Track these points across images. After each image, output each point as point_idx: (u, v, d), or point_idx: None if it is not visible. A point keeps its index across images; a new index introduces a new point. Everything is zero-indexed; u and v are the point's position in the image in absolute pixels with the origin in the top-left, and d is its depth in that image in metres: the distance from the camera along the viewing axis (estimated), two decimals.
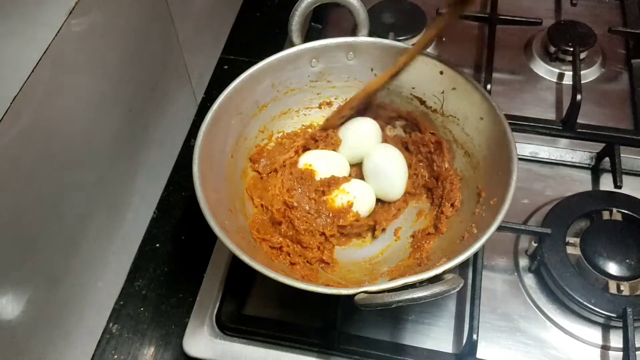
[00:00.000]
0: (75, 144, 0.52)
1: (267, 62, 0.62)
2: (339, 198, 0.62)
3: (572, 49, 0.79)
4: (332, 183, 0.63)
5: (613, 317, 0.57)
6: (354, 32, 0.67)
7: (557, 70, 0.81)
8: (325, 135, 0.67)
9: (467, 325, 0.58)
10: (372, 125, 0.67)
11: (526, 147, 0.73)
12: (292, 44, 0.64)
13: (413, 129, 0.67)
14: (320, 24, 0.88)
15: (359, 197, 0.62)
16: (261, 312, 0.61)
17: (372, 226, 0.63)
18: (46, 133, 0.48)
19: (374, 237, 0.63)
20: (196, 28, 0.78)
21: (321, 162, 0.64)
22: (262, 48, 0.70)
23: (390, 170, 0.63)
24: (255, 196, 0.63)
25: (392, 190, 0.63)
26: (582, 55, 0.80)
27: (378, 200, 0.64)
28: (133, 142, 0.64)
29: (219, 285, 0.63)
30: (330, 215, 0.62)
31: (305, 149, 0.67)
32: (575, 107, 0.72)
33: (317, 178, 0.64)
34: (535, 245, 0.63)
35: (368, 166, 0.64)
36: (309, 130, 0.69)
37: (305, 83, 0.67)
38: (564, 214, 0.64)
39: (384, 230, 0.63)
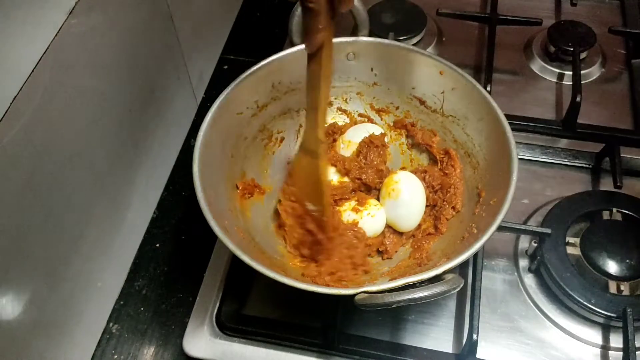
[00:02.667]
0: (75, 144, 0.52)
1: (267, 62, 0.62)
2: (347, 214, 0.61)
3: (572, 49, 0.79)
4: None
5: (613, 317, 0.57)
6: (354, 32, 0.67)
7: (557, 70, 0.81)
8: None
9: (467, 325, 0.58)
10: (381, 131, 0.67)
11: (526, 147, 0.73)
12: (292, 44, 0.64)
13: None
14: None
15: (366, 219, 0.60)
16: (261, 312, 0.61)
17: (380, 251, 0.62)
18: (46, 133, 0.48)
19: (382, 259, 0.62)
20: (196, 28, 0.78)
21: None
22: (262, 48, 0.70)
23: (413, 205, 0.61)
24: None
25: (408, 223, 0.62)
26: (582, 55, 0.80)
27: (389, 226, 0.63)
28: (133, 142, 0.64)
29: (219, 285, 0.63)
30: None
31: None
32: (575, 107, 0.72)
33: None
34: (535, 245, 0.63)
35: (389, 193, 0.62)
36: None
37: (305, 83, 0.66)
38: (564, 214, 0.64)
39: (390, 258, 0.62)
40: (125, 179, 0.64)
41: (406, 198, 0.60)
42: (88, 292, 0.59)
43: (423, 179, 0.64)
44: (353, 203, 0.62)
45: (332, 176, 0.64)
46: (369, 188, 0.64)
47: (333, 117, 0.70)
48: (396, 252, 0.61)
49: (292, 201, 0.60)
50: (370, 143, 0.65)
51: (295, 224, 0.59)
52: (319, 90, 0.54)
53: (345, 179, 0.64)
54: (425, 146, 0.66)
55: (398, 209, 0.61)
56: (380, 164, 0.64)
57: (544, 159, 0.73)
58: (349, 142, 0.66)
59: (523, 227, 0.63)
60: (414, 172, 0.65)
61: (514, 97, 0.79)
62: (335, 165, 0.65)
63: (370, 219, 0.60)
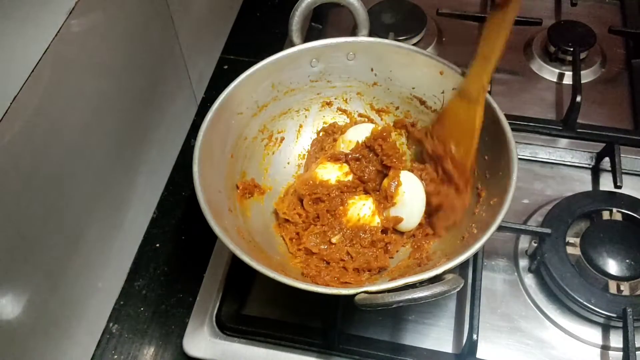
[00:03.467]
0: (75, 144, 0.52)
1: (267, 62, 0.62)
2: (363, 208, 0.61)
3: (572, 49, 0.79)
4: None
5: (613, 317, 0.57)
6: (354, 32, 0.67)
7: (557, 70, 0.81)
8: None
9: (467, 325, 0.58)
10: None
11: (526, 147, 0.73)
12: (292, 44, 0.64)
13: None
14: (320, 24, 0.88)
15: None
16: (261, 312, 0.61)
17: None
18: (46, 133, 0.48)
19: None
20: (196, 28, 0.78)
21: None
22: (262, 48, 0.70)
23: (414, 204, 0.61)
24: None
25: (409, 223, 0.61)
26: (582, 55, 0.80)
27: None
28: (133, 142, 0.64)
29: (219, 285, 0.63)
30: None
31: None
32: (575, 107, 0.72)
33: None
34: (535, 245, 0.63)
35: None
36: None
37: (305, 83, 0.67)
38: (564, 214, 0.64)
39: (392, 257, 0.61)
40: (125, 179, 0.64)
41: (407, 197, 0.60)
42: (88, 292, 0.59)
43: (420, 177, 0.64)
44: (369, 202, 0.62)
45: (333, 174, 0.64)
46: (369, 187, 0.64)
47: (333, 117, 0.70)
48: (397, 251, 0.61)
49: (435, 139, 0.62)
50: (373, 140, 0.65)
51: (431, 163, 0.62)
52: (498, 39, 0.56)
53: (349, 178, 0.64)
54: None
55: (399, 209, 0.61)
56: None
57: (544, 159, 0.73)
58: (349, 142, 0.66)
59: (523, 227, 0.63)
60: (412, 169, 0.65)
61: (514, 97, 0.79)
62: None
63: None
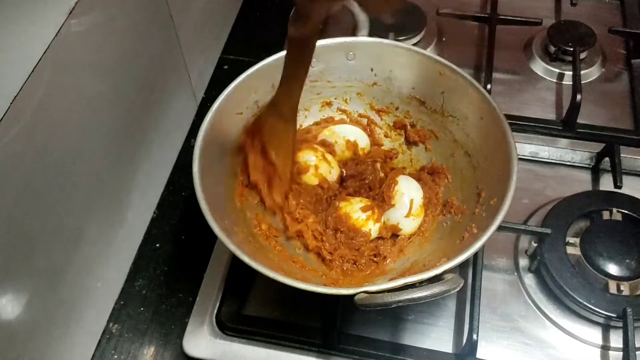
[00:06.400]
0: (75, 144, 0.52)
1: (267, 62, 0.62)
2: (357, 213, 0.60)
3: (572, 49, 0.79)
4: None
5: (613, 317, 0.57)
6: (354, 32, 0.67)
7: (557, 70, 0.81)
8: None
9: (467, 325, 0.58)
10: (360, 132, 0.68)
11: (526, 147, 0.73)
12: None
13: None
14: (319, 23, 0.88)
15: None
16: (261, 312, 0.61)
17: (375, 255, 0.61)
18: (46, 133, 0.48)
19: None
20: (196, 28, 0.78)
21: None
22: (262, 48, 0.70)
23: (413, 205, 0.61)
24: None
25: (409, 227, 0.61)
26: (582, 55, 0.80)
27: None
28: (133, 142, 0.64)
29: (219, 285, 0.63)
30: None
31: None
32: (575, 107, 0.72)
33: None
34: (535, 245, 0.63)
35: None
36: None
37: (305, 83, 0.66)
38: (564, 214, 0.64)
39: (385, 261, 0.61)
40: (125, 179, 0.64)
41: (406, 201, 0.60)
42: (88, 292, 0.59)
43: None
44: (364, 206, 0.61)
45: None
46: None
47: (333, 117, 0.70)
48: (393, 258, 0.61)
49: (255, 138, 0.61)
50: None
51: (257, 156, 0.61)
52: (307, 62, 0.55)
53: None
54: (423, 144, 0.67)
55: (398, 210, 0.61)
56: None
57: (544, 159, 0.73)
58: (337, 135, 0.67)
59: (523, 227, 0.63)
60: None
61: (514, 97, 0.79)
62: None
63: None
